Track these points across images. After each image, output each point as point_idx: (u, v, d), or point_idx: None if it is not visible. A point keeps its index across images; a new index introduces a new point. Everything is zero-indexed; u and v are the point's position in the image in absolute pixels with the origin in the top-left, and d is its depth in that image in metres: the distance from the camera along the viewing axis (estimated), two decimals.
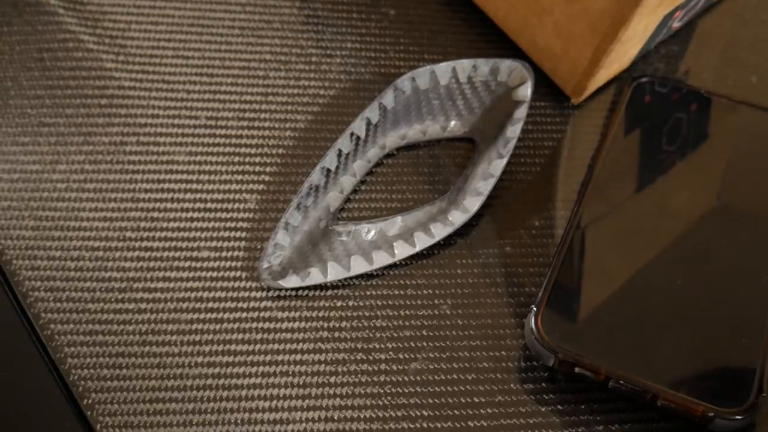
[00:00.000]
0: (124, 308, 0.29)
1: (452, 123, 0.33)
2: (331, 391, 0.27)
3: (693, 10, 0.35)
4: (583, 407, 0.27)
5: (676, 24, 0.34)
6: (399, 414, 0.27)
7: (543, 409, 0.27)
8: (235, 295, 0.29)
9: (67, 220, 0.30)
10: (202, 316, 0.29)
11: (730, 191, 0.31)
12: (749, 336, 0.27)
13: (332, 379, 0.28)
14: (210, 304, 0.29)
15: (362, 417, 0.27)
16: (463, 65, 0.33)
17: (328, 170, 0.31)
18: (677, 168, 0.31)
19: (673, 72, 0.35)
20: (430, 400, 0.27)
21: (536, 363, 0.28)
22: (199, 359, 0.28)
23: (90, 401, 0.27)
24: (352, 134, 0.31)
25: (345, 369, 0.28)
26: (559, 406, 0.27)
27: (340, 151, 0.31)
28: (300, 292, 0.29)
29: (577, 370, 0.26)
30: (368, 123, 0.32)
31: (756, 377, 0.26)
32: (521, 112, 0.32)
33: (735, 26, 0.37)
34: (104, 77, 0.33)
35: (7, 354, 0.29)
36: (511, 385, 0.27)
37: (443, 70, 0.32)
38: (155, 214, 0.31)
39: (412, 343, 0.28)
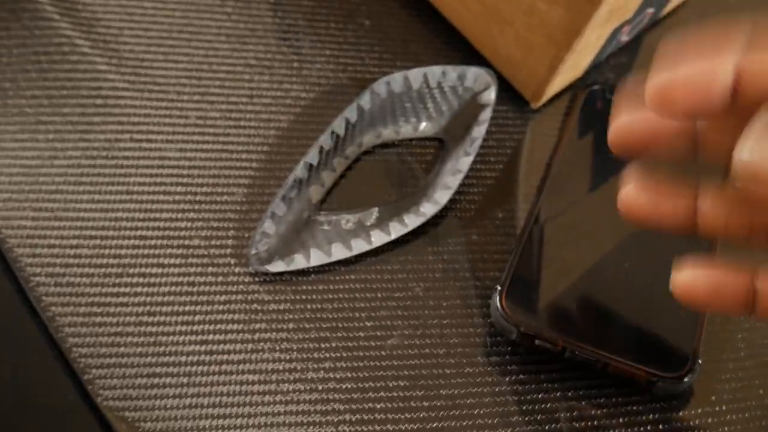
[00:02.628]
0: (121, 292, 0.31)
1: (423, 124, 0.36)
2: (315, 365, 0.30)
3: (639, 25, 0.38)
4: (542, 376, 0.30)
5: (624, 38, 0.38)
6: (377, 385, 0.30)
7: (507, 379, 0.30)
8: (224, 279, 0.31)
9: (65, 211, 0.32)
10: (194, 298, 0.31)
11: None
12: (687, 311, 0.30)
13: (316, 355, 0.30)
14: (201, 288, 0.31)
15: (343, 388, 0.29)
16: (434, 71, 0.36)
17: (311, 165, 0.33)
18: (624, 167, 0.35)
19: (622, 81, 0.39)
20: (405, 372, 0.30)
21: (500, 338, 0.31)
22: (192, 338, 0.30)
23: (90, 376, 0.29)
24: (332, 132, 0.34)
25: (327, 345, 0.30)
26: (521, 376, 0.30)
27: (321, 147, 0.34)
28: (285, 277, 0.32)
29: (537, 342, 0.29)
30: (347, 122, 0.34)
31: (692, 347, 0.29)
32: (486, 115, 0.35)
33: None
34: (99, 79, 0.36)
35: (11, 335, 0.31)
36: (479, 358, 0.30)
37: (415, 75, 0.36)
38: (149, 206, 0.33)
39: (388, 322, 0.31)
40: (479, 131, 0.35)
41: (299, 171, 0.33)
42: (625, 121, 0.24)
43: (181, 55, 0.37)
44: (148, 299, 0.31)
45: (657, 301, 0.30)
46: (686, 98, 0.21)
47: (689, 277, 0.25)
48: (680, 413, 0.29)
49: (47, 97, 0.35)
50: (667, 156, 0.24)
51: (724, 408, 0.30)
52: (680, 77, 0.21)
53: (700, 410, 0.29)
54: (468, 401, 0.29)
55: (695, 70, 0.21)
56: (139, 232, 0.32)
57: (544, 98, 0.36)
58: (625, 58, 0.39)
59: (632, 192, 0.25)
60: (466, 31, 0.38)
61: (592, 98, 0.37)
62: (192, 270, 0.32)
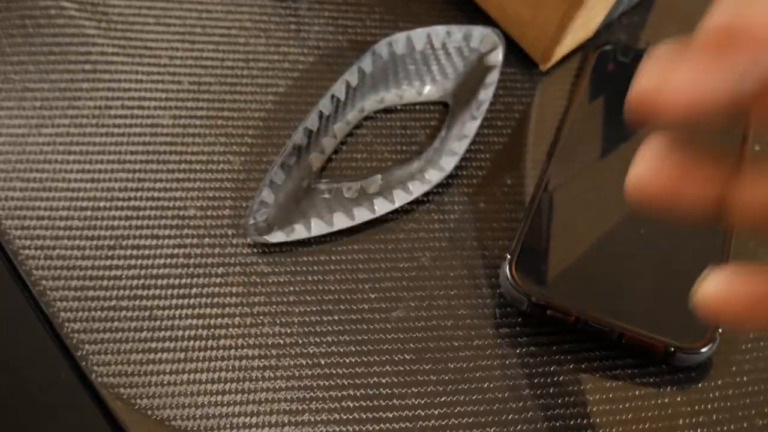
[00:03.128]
0: (114, 264, 0.30)
1: (427, 87, 0.34)
2: (318, 339, 0.29)
3: None
4: (554, 348, 0.29)
5: None
6: (382, 358, 0.28)
7: (518, 351, 0.29)
8: (222, 251, 0.30)
9: (54, 182, 0.31)
10: (190, 270, 0.30)
11: None
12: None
13: (318, 328, 0.29)
14: (198, 260, 0.30)
15: (347, 362, 0.28)
16: (438, 32, 0.34)
17: (310, 131, 0.32)
18: (637, 131, 0.33)
19: (635, 41, 0.37)
20: (411, 345, 0.29)
21: (510, 309, 0.29)
22: (189, 311, 0.29)
23: (84, 352, 0.28)
24: (332, 96, 0.32)
25: (330, 318, 0.29)
26: (532, 348, 0.29)
27: (321, 112, 0.32)
28: (285, 248, 0.30)
29: (548, 312, 0.28)
30: (348, 86, 0.33)
31: None
32: (493, 77, 0.34)
33: None
34: (87, 44, 0.34)
35: (1, 310, 0.29)
36: (488, 330, 0.29)
37: (418, 36, 0.34)
38: (142, 175, 0.32)
39: (393, 293, 0.30)
40: (486, 94, 0.33)
41: (298, 137, 0.32)
42: (660, 80, 0.19)
43: (173, 18, 0.35)
44: (143, 272, 0.30)
45: (673, 268, 0.29)
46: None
47: (720, 292, 0.20)
48: (699, 385, 0.28)
49: (34, 63, 0.33)
50: (703, 123, 0.19)
51: (745, 379, 0.28)
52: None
53: (720, 381, 0.28)
54: (477, 374, 0.28)
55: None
56: (132, 203, 0.31)
57: (554, 59, 0.35)
58: (637, 17, 0.38)
59: (646, 173, 0.20)
60: None
61: (604, 59, 0.35)
62: (188, 241, 0.30)
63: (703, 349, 0.27)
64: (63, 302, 0.29)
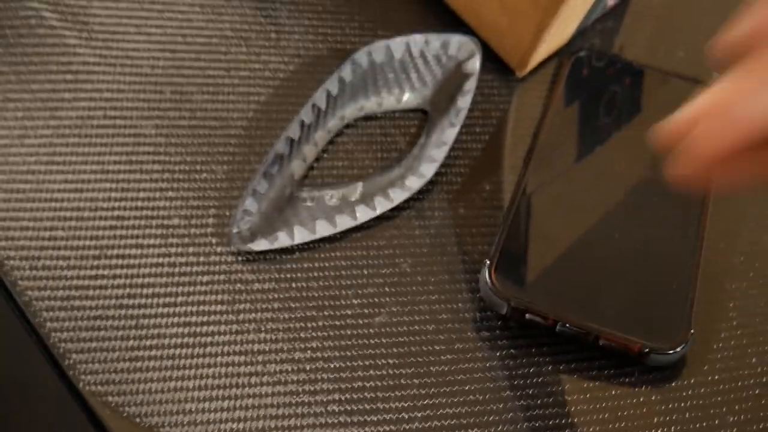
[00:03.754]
0: (100, 274, 0.30)
1: (406, 95, 0.35)
2: (302, 345, 0.29)
3: None
4: (533, 350, 0.30)
5: (611, 2, 0.37)
6: (366, 363, 0.29)
7: (498, 354, 0.29)
8: (206, 259, 0.31)
9: (38, 192, 0.31)
10: (175, 279, 0.30)
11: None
12: (678, 281, 0.30)
13: (302, 334, 0.29)
14: (183, 269, 0.30)
15: (331, 367, 0.29)
16: (416, 40, 0.35)
17: (292, 140, 0.32)
18: (613, 135, 0.34)
19: (609, 47, 0.38)
20: (394, 350, 0.29)
21: (490, 312, 0.30)
22: (175, 320, 0.29)
23: (71, 362, 0.28)
24: (313, 105, 0.33)
25: (314, 324, 0.30)
26: (512, 350, 0.30)
27: (302, 121, 0.33)
28: (268, 255, 0.31)
29: (527, 316, 0.29)
30: (328, 95, 0.33)
31: (685, 317, 0.29)
32: (471, 84, 0.34)
33: (665, 4, 0.40)
34: (68, 53, 0.34)
35: None
36: (468, 334, 0.30)
37: (397, 44, 0.34)
38: (125, 185, 0.32)
39: (376, 299, 0.30)
40: (464, 101, 0.34)
41: (280, 146, 0.32)
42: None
43: (154, 27, 0.35)
44: (128, 281, 0.30)
45: (648, 272, 0.30)
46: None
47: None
48: (673, 383, 0.29)
49: (15, 74, 0.33)
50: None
51: (716, 377, 0.29)
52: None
53: (693, 380, 0.29)
54: (459, 377, 0.29)
55: None
56: (116, 213, 0.31)
57: (530, 66, 0.36)
58: (611, 23, 0.39)
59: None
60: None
61: (579, 65, 0.36)
62: (172, 250, 0.31)
63: (677, 350, 0.28)
64: (49, 312, 0.29)
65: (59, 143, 0.32)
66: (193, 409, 0.28)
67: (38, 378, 0.28)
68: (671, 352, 0.28)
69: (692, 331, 0.28)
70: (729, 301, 0.31)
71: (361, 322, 0.30)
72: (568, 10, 0.33)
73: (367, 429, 0.28)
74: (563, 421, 0.28)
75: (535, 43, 0.34)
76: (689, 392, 0.29)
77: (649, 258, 0.30)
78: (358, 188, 0.32)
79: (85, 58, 0.34)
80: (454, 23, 0.37)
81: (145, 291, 0.30)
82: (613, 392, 0.29)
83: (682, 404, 0.29)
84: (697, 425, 0.28)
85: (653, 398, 0.29)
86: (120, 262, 0.30)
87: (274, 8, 0.37)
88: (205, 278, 0.30)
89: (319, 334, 0.29)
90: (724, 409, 0.29)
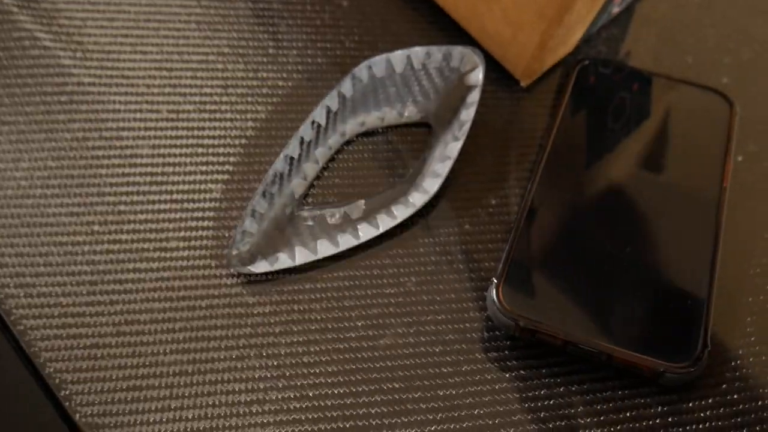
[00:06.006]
0: (96, 300, 0.29)
1: (408, 109, 0.34)
2: (305, 370, 0.28)
3: None
4: (544, 371, 0.29)
5: (615, 9, 0.36)
6: (371, 388, 0.28)
7: (507, 375, 0.28)
8: (205, 282, 0.30)
9: (33, 217, 0.31)
10: (174, 304, 0.29)
11: (670, 163, 0.33)
12: (693, 297, 0.29)
13: (305, 359, 0.29)
14: (181, 293, 0.30)
15: (336, 393, 0.28)
16: (417, 53, 0.34)
17: (291, 158, 0.32)
18: (622, 144, 0.33)
19: (615, 54, 0.37)
20: (401, 373, 0.28)
21: (498, 332, 0.29)
22: (174, 346, 0.28)
23: (67, 392, 0.27)
24: (313, 122, 0.32)
25: (317, 348, 0.29)
26: (521, 372, 0.29)
27: (302, 138, 0.32)
28: (269, 277, 0.30)
29: (537, 336, 0.28)
30: (328, 111, 0.33)
31: (700, 334, 0.28)
32: (474, 96, 0.34)
33: (671, 10, 0.39)
34: (63, 74, 0.34)
35: None
36: (476, 355, 0.29)
37: (398, 58, 0.34)
38: (122, 207, 0.31)
39: (381, 320, 0.29)
40: (468, 114, 0.33)
41: (279, 164, 0.31)
42: None
43: (150, 46, 0.35)
44: (126, 307, 0.29)
45: (661, 287, 0.29)
46: None
47: None
48: (689, 404, 0.28)
49: (8, 96, 0.33)
50: None
51: (735, 396, 0.28)
52: None
53: (710, 400, 0.28)
54: (467, 401, 0.28)
55: None
56: (112, 236, 0.30)
57: (535, 76, 0.35)
58: (616, 30, 0.38)
59: None
60: (450, 8, 0.36)
61: (585, 74, 0.35)
62: (170, 274, 0.30)
63: (692, 368, 0.27)
64: (45, 341, 0.28)
65: (54, 166, 0.32)
66: None
67: (33, 409, 0.28)
68: (687, 371, 0.27)
69: (708, 348, 0.27)
70: (746, 315, 0.30)
71: (365, 344, 0.29)
72: (573, 18, 0.32)
73: None
74: None
75: (540, 52, 0.33)
76: (706, 413, 0.28)
77: (662, 273, 0.29)
78: (361, 206, 0.32)
79: (80, 78, 0.34)
80: (456, 34, 0.36)
81: (142, 317, 0.29)
82: (628, 414, 0.28)
83: (700, 425, 0.28)
84: None
85: (670, 420, 0.28)
86: (117, 287, 0.29)
87: (271, 23, 0.36)
88: (205, 302, 0.29)
89: (322, 358, 0.29)
90: (744, 431, 0.28)
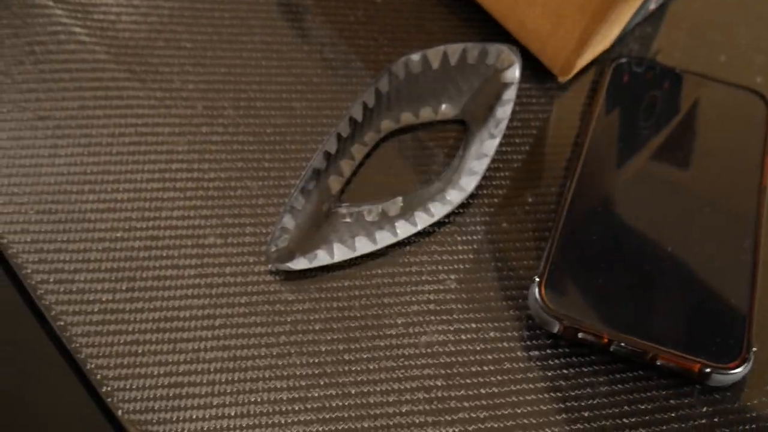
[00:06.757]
0: (136, 296, 0.29)
1: (444, 106, 0.34)
2: (346, 368, 0.28)
3: None
4: (586, 370, 0.28)
5: (652, 5, 0.36)
6: (414, 385, 0.28)
7: (549, 374, 0.28)
8: (244, 279, 0.30)
9: (70, 213, 0.30)
10: (213, 301, 0.29)
11: (709, 161, 0.32)
12: (737, 296, 0.28)
13: (346, 356, 0.28)
14: (221, 289, 0.29)
15: (378, 390, 0.28)
16: (454, 49, 0.34)
17: (329, 154, 0.31)
18: (660, 143, 0.33)
19: (647, 52, 0.37)
20: (442, 371, 0.28)
21: (540, 331, 0.29)
22: (214, 343, 0.28)
23: (109, 389, 0.27)
24: (350, 118, 0.32)
25: (358, 346, 0.29)
26: (564, 371, 0.28)
27: (339, 135, 0.32)
28: (307, 274, 0.30)
29: (580, 335, 0.28)
30: (365, 107, 0.32)
31: (746, 333, 0.27)
32: (510, 94, 0.33)
33: (703, 8, 0.38)
34: (98, 69, 0.33)
35: (21, 348, 0.29)
36: (518, 353, 0.29)
37: (434, 54, 0.33)
38: (159, 204, 0.31)
39: (420, 318, 0.29)
40: (504, 111, 0.33)
41: (317, 160, 0.31)
42: None
43: (185, 41, 0.35)
44: (165, 303, 0.29)
45: (706, 286, 0.29)
46: None
47: None
48: (735, 405, 0.28)
49: (44, 91, 0.33)
50: None
51: None
52: None
53: (756, 401, 0.28)
54: (510, 399, 0.28)
55: None
56: (150, 232, 0.30)
57: (574, 71, 0.35)
58: (649, 28, 0.37)
59: None
60: (487, 5, 0.35)
61: (620, 72, 0.35)
62: (209, 270, 0.30)
63: (739, 369, 0.27)
64: (85, 338, 0.28)
65: (91, 162, 0.31)
66: None
67: (75, 406, 0.27)
68: (734, 371, 0.27)
69: (754, 348, 0.27)
70: None
71: (406, 342, 0.29)
72: (615, 14, 0.32)
73: None
74: None
75: (580, 48, 0.33)
76: (753, 414, 0.28)
77: (705, 272, 0.29)
78: (398, 203, 0.31)
79: (115, 73, 0.33)
80: (490, 32, 0.36)
81: (182, 314, 0.29)
82: (672, 414, 0.28)
83: (746, 426, 0.27)
84: None
85: (716, 420, 0.27)
86: (156, 283, 0.29)
87: (304, 19, 0.36)
88: (244, 299, 0.29)
89: (363, 356, 0.28)
90: None
